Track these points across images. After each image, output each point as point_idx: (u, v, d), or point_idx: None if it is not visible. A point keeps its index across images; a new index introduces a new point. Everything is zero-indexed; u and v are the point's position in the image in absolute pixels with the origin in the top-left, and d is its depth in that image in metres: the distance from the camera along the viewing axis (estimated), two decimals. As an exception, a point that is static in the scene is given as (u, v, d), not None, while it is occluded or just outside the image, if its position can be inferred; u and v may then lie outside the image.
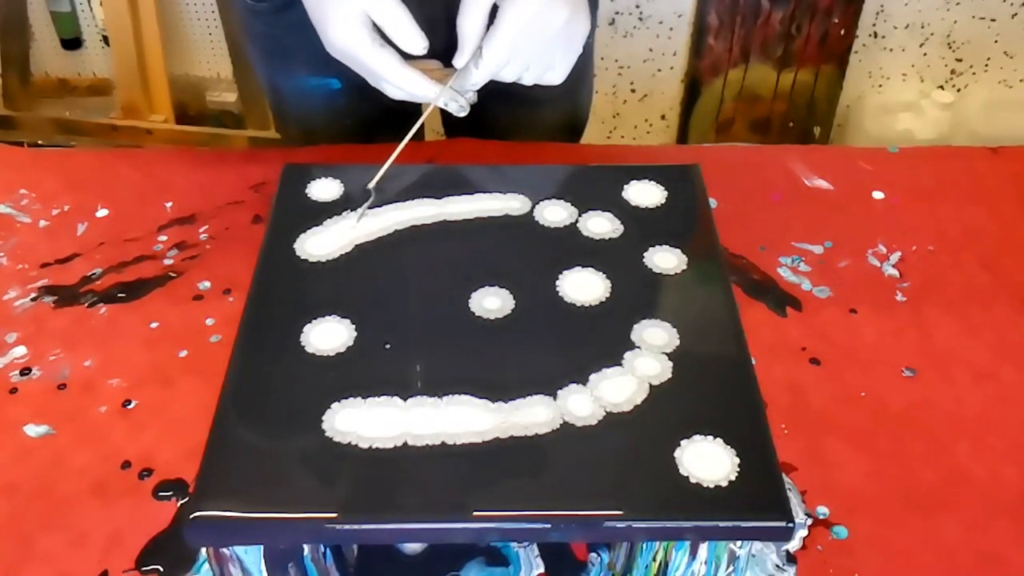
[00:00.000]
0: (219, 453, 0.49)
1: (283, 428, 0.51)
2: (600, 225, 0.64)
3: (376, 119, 0.91)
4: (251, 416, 0.52)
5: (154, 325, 0.71)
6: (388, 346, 0.55)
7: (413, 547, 0.57)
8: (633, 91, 1.99)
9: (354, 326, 0.56)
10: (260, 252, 0.62)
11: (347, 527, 0.47)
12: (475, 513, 0.47)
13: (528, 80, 0.70)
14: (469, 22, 0.66)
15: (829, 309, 0.73)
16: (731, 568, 0.52)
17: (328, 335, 0.56)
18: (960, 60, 1.97)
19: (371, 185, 0.65)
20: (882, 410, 0.66)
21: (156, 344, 0.70)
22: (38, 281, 0.75)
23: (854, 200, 0.84)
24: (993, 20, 1.91)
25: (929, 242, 0.80)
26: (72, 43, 2.00)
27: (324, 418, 0.51)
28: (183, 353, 0.69)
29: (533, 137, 0.92)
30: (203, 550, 0.56)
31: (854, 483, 0.61)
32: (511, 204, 0.66)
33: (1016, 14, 1.91)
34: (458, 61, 0.68)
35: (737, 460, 0.49)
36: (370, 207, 0.65)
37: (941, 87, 1.99)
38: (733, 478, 0.48)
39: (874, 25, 1.92)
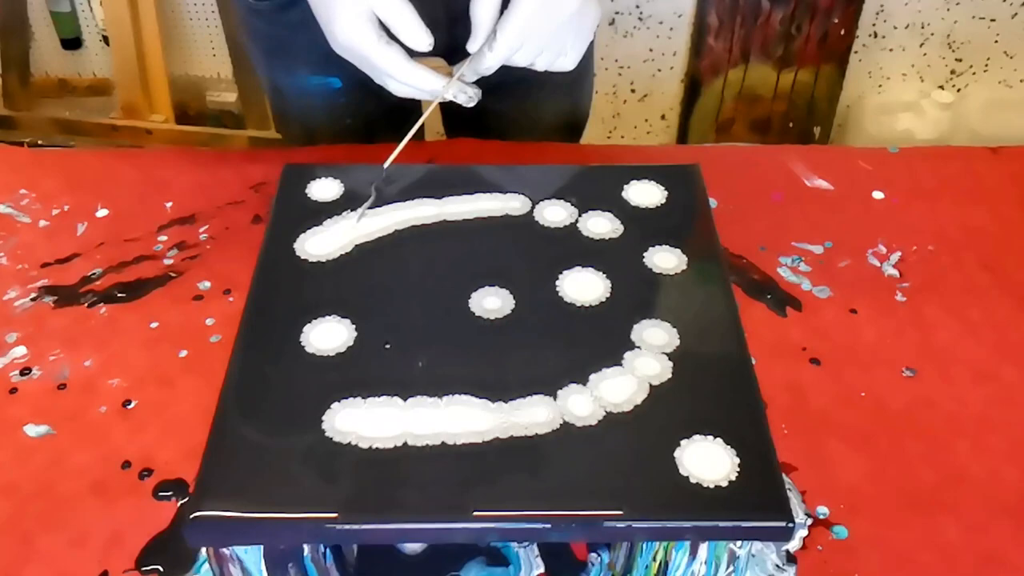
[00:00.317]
0: (219, 453, 0.49)
1: (283, 428, 0.51)
2: (600, 225, 0.64)
3: (377, 118, 0.92)
4: (251, 416, 0.52)
5: (154, 325, 0.71)
6: (388, 346, 0.55)
7: (413, 547, 0.57)
8: (633, 91, 1.99)
9: (354, 326, 0.56)
10: (260, 252, 0.62)
11: (347, 527, 0.47)
12: (475, 513, 0.47)
13: (541, 65, 0.70)
14: (483, 7, 0.66)
15: (829, 309, 0.73)
16: (731, 568, 0.52)
17: (328, 335, 0.56)
18: (960, 60, 1.97)
19: (385, 164, 0.66)
20: (882, 410, 0.66)
21: (156, 344, 0.70)
22: (38, 281, 0.75)
23: (854, 200, 0.84)
24: (993, 20, 1.91)
25: (929, 242, 0.80)
26: (72, 43, 2.00)
27: (324, 418, 0.51)
28: (183, 353, 0.69)
29: (533, 137, 0.92)
30: (203, 550, 0.56)
31: (854, 483, 0.61)
32: (511, 204, 0.66)
33: (1016, 14, 1.91)
34: (472, 45, 0.68)
35: (737, 460, 0.49)
36: (370, 207, 0.65)
37: (941, 87, 1.99)
38: (733, 478, 0.48)
39: (874, 25, 1.92)
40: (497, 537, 0.54)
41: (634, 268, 0.61)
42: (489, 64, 0.68)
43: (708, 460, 0.49)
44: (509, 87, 0.92)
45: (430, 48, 0.67)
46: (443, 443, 0.50)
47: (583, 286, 0.59)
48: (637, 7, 1.87)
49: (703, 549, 0.51)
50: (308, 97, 0.94)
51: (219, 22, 1.87)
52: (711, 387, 0.54)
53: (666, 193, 0.67)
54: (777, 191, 0.84)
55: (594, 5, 0.71)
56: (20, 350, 0.69)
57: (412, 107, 1.00)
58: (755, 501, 0.48)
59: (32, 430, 0.64)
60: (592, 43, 0.96)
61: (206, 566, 0.56)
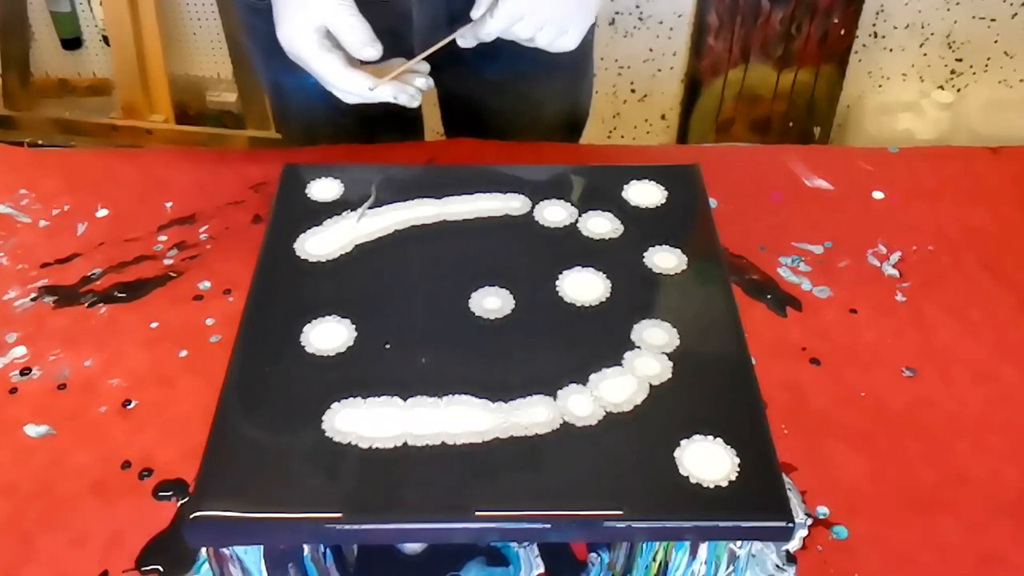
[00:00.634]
0: (219, 453, 0.49)
1: (283, 428, 0.51)
2: (600, 225, 0.64)
3: (377, 118, 0.92)
4: (251, 416, 0.52)
5: (154, 325, 0.71)
6: (388, 346, 0.55)
7: (413, 547, 0.57)
8: (633, 91, 1.99)
9: (354, 326, 0.56)
10: (260, 252, 0.62)
11: (347, 527, 0.47)
12: (475, 513, 0.47)
13: (542, 41, 0.70)
14: None
15: (829, 309, 0.73)
16: (731, 568, 0.52)
17: (328, 335, 0.56)
18: (960, 60, 1.97)
19: (372, 86, 0.66)
20: (882, 410, 0.66)
21: (156, 344, 0.70)
22: (38, 281, 0.75)
23: (854, 200, 0.84)
24: (993, 20, 1.91)
25: (929, 242, 0.80)
26: (72, 43, 2.00)
27: (324, 418, 0.51)
28: (183, 353, 0.69)
29: (533, 136, 0.92)
30: (203, 550, 0.56)
31: (854, 483, 0.61)
32: (511, 204, 0.66)
33: (1016, 14, 1.91)
34: (476, 11, 0.68)
35: (737, 460, 0.49)
36: (370, 207, 0.65)
37: (941, 87, 1.99)
38: (733, 478, 0.48)
39: (874, 25, 1.92)
40: (497, 537, 0.54)
41: (634, 268, 0.61)
42: (489, 30, 0.68)
43: (708, 460, 0.49)
44: (509, 85, 0.92)
45: (376, 57, 0.67)
46: (443, 443, 0.50)
47: (583, 286, 0.59)
48: (637, 7, 1.87)
49: (703, 549, 0.51)
50: (308, 97, 0.93)
51: (219, 22, 1.87)
52: (711, 387, 0.54)
53: (666, 193, 0.67)
54: (777, 191, 0.84)
55: None
56: (20, 350, 0.69)
57: (412, 110, 1.00)
58: (755, 501, 0.48)
59: (32, 430, 0.64)
60: (592, 42, 0.96)
61: (206, 566, 0.56)
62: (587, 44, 0.95)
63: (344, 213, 0.64)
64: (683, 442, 0.50)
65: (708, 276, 0.61)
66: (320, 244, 0.62)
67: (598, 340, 0.56)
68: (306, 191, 0.67)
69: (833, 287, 0.75)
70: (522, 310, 0.58)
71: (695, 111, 2.00)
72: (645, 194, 0.67)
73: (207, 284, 0.74)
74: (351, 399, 0.52)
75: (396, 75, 0.68)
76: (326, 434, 0.50)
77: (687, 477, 0.48)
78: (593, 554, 0.57)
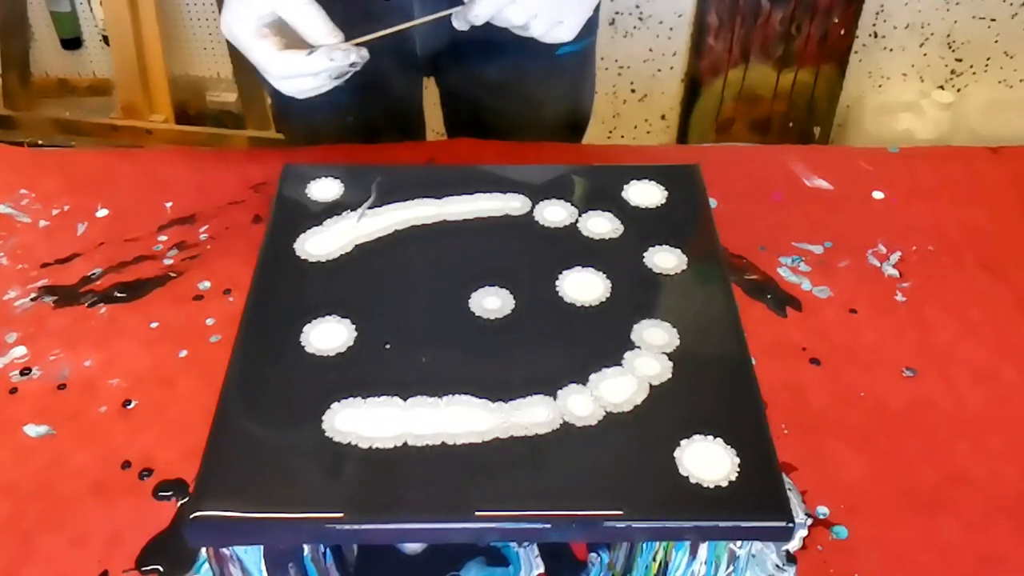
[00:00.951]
0: (219, 453, 0.49)
1: (283, 428, 0.51)
2: (600, 225, 0.64)
3: (378, 117, 0.92)
4: (251, 416, 0.52)
5: (154, 325, 0.71)
6: (388, 346, 0.55)
7: (413, 547, 0.57)
8: (633, 91, 1.99)
9: (354, 326, 0.56)
10: (260, 252, 0.62)
11: (347, 527, 0.47)
12: (475, 513, 0.47)
13: (537, 30, 0.69)
14: None
15: (829, 309, 0.73)
16: (731, 568, 0.52)
17: (328, 335, 0.56)
18: (960, 60, 1.97)
19: (307, 53, 0.64)
20: (882, 410, 0.66)
21: (156, 344, 0.70)
22: (38, 281, 0.75)
23: (854, 200, 0.84)
24: (993, 20, 1.91)
25: (929, 242, 0.80)
26: (72, 43, 2.00)
27: (324, 418, 0.51)
28: (183, 353, 0.69)
29: (535, 136, 0.92)
30: (203, 550, 0.56)
31: (854, 483, 0.61)
32: (511, 204, 0.66)
33: (1016, 14, 1.91)
34: None
35: (737, 460, 0.49)
36: (370, 207, 0.65)
37: (941, 87, 1.99)
38: (733, 478, 0.48)
39: (874, 25, 1.92)
40: (497, 537, 0.54)
41: (634, 268, 0.61)
42: (478, 11, 0.67)
43: (708, 460, 0.49)
44: (512, 86, 0.92)
45: (339, 41, 0.65)
46: (443, 443, 0.50)
47: (583, 286, 0.59)
48: (637, 7, 1.87)
49: (703, 549, 0.51)
50: (310, 96, 0.93)
51: (219, 22, 1.87)
52: (711, 387, 0.54)
53: (666, 193, 0.67)
54: (777, 191, 0.84)
55: None
56: (20, 350, 0.69)
57: (415, 107, 1.00)
58: (755, 501, 0.48)
59: (32, 430, 0.64)
60: (594, 43, 0.96)
61: (206, 566, 0.56)
62: (589, 45, 0.95)
63: (344, 213, 0.64)
64: (683, 442, 0.50)
65: (708, 276, 0.61)
66: (320, 244, 0.62)
67: (598, 340, 0.56)
68: (306, 191, 0.67)
69: (833, 287, 0.75)
70: (522, 310, 0.58)
71: (695, 111, 2.00)
72: (645, 194, 0.67)
73: (207, 284, 0.74)
74: (351, 399, 0.52)
75: (458, 10, 0.67)
76: (326, 434, 0.50)
77: (687, 477, 0.48)
78: (593, 554, 0.57)
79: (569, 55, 0.90)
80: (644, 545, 0.53)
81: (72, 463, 0.62)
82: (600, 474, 0.49)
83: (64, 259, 0.77)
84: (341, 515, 0.47)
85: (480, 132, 0.93)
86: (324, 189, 0.67)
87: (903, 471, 0.62)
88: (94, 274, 0.75)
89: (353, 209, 0.65)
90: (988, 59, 1.97)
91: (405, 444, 0.50)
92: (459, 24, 0.69)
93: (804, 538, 0.58)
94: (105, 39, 1.95)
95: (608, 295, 0.59)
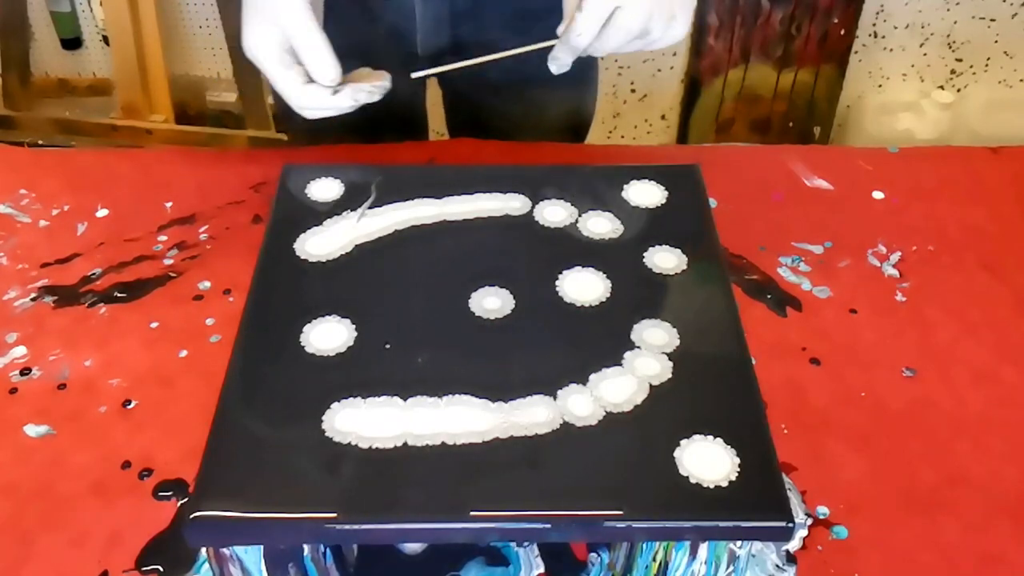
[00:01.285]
0: (219, 453, 0.49)
1: (283, 428, 0.51)
2: (600, 225, 0.64)
3: (381, 117, 0.91)
4: (251, 416, 0.52)
5: (154, 325, 0.71)
6: (388, 346, 0.55)
7: (413, 547, 0.57)
8: (633, 91, 1.99)
9: (354, 326, 0.56)
10: (260, 252, 0.62)
11: (347, 527, 0.47)
12: (475, 513, 0.47)
13: (656, 32, 0.63)
14: None
15: (829, 309, 0.73)
16: (731, 568, 0.52)
17: (328, 335, 0.56)
18: (960, 60, 1.97)
19: (333, 88, 0.64)
20: (882, 410, 0.66)
21: (156, 344, 0.70)
22: (38, 281, 0.75)
23: (854, 200, 0.84)
24: (993, 20, 1.91)
25: (929, 242, 0.80)
26: (72, 43, 2.00)
27: (324, 418, 0.51)
28: (183, 353, 0.69)
29: (537, 137, 0.92)
30: (203, 550, 0.56)
31: (854, 483, 0.61)
32: (511, 204, 0.66)
33: (1016, 14, 1.91)
34: (561, 27, 0.64)
35: (737, 460, 0.49)
36: (370, 207, 0.65)
37: (941, 87, 1.99)
38: (733, 478, 0.48)
39: (874, 25, 1.92)
40: (497, 537, 0.54)
41: (634, 268, 0.61)
42: (581, 29, 0.61)
43: (708, 460, 0.49)
44: (514, 88, 0.92)
45: (335, 82, 0.65)
46: (443, 443, 0.50)
47: (583, 286, 0.59)
48: None
49: (703, 549, 0.51)
50: None
51: (219, 22, 1.87)
52: (711, 387, 0.54)
53: (666, 193, 0.67)
54: (777, 191, 0.84)
55: None
56: (20, 350, 0.69)
57: (418, 107, 1.00)
58: (755, 501, 0.48)
59: (32, 430, 0.64)
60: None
61: (206, 566, 0.56)
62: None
63: (344, 213, 0.65)
64: (683, 442, 0.50)
65: (708, 276, 0.61)
66: (320, 244, 0.62)
67: (598, 340, 0.56)
68: (306, 191, 0.67)
69: (833, 287, 0.75)
70: (522, 310, 0.58)
71: (695, 111, 2.00)
72: (645, 194, 0.67)
73: (207, 284, 0.74)
74: (351, 399, 0.52)
75: (562, 38, 0.63)
76: (326, 434, 0.50)
77: (687, 477, 0.48)
78: (593, 554, 0.57)
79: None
80: (644, 545, 0.53)
81: (72, 463, 0.62)
82: (600, 474, 0.49)
83: (64, 259, 0.77)
84: (341, 515, 0.47)
85: (482, 133, 0.93)
86: (324, 189, 0.67)
87: (903, 471, 0.62)
88: (94, 274, 0.75)
89: (353, 209, 0.65)
90: (988, 59, 1.97)
91: (405, 444, 0.50)
92: (563, 57, 0.64)
93: (804, 538, 0.58)
94: (105, 39, 1.95)
95: (608, 295, 0.59)
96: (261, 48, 0.65)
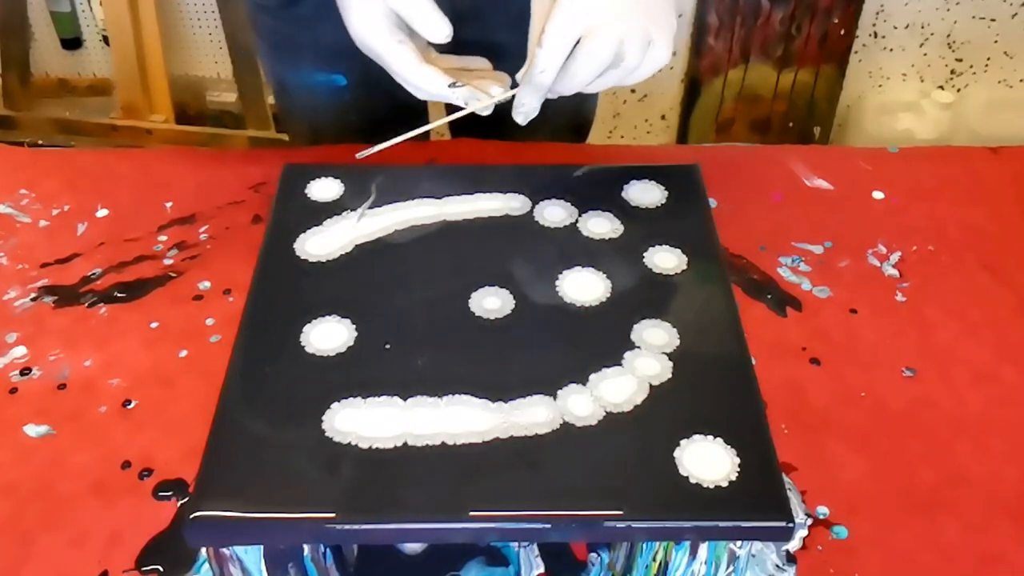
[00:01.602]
0: (219, 453, 0.49)
1: (283, 428, 0.51)
2: (600, 225, 0.64)
3: (382, 116, 0.91)
4: (251, 416, 0.52)
5: (154, 325, 0.71)
6: (388, 346, 0.55)
7: (413, 547, 0.57)
8: (633, 91, 1.99)
9: (354, 326, 0.56)
10: (260, 252, 0.62)
11: (347, 527, 0.47)
12: (475, 513, 0.47)
13: (632, 59, 0.59)
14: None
15: (829, 309, 0.73)
16: (731, 568, 0.52)
17: (328, 335, 0.56)
18: (960, 60, 1.97)
19: (451, 83, 0.62)
20: (882, 410, 0.66)
21: (156, 344, 0.70)
22: (38, 281, 0.75)
23: (854, 200, 0.84)
24: (993, 20, 1.91)
25: (929, 242, 0.80)
26: (72, 43, 2.00)
27: (324, 418, 0.51)
28: (183, 353, 0.69)
29: (538, 138, 0.92)
30: (203, 550, 0.56)
31: (854, 483, 0.61)
32: (511, 204, 0.66)
33: (1016, 14, 1.91)
34: (521, 72, 0.62)
35: (737, 460, 0.49)
36: (370, 207, 0.65)
37: (941, 87, 2.00)
38: (733, 478, 0.48)
39: (874, 25, 1.92)
40: (497, 537, 0.54)
41: (634, 268, 0.61)
42: (543, 64, 0.57)
43: (708, 460, 0.49)
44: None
45: (448, 38, 0.62)
46: (443, 443, 0.50)
47: (583, 286, 0.59)
48: None
49: (703, 549, 0.51)
50: (313, 94, 0.94)
51: (219, 22, 1.87)
52: (711, 387, 0.54)
53: (666, 193, 0.67)
54: (777, 191, 0.84)
55: None
56: (20, 350, 0.69)
57: (418, 106, 1.00)
58: (755, 501, 0.48)
59: (32, 430, 0.64)
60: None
61: (206, 566, 0.56)
62: None
63: (344, 213, 0.64)
64: (683, 442, 0.50)
65: (708, 276, 0.61)
66: (320, 244, 0.62)
67: (598, 340, 0.56)
68: (306, 191, 0.67)
69: (833, 287, 0.75)
70: (522, 310, 0.58)
71: (695, 111, 2.00)
72: (645, 194, 0.67)
73: (207, 284, 0.74)
74: (351, 399, 0.52)
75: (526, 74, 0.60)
76: (326, 434, 0.50)
77: (687, 477, 0.48)
78: (593, 554, 0.57)
79: None
80: (644, 545, 0.53)
81: (72, 463, 0.62)
82: (600, 474, 0.49)
83: (64, 259, 0.77)
84: (340, 515, 0.47)
85: (485, 132, 0.92)
86: (324, 189, 0.67)
87: (903, 471, 0.62)
88: (94, 274, 0.75)
89: (353, 209, 0.65)
90: (988, 59, 1.97)
91: (405, 444, 0.50)
92: (529, 102, 0.61)
93: (804, 538, 0.58)
94: (105, 39, 1.95)
95: (608, 295, 0.59)
96: (369, 27, 0.61)
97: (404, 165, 0.67)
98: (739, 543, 0.51)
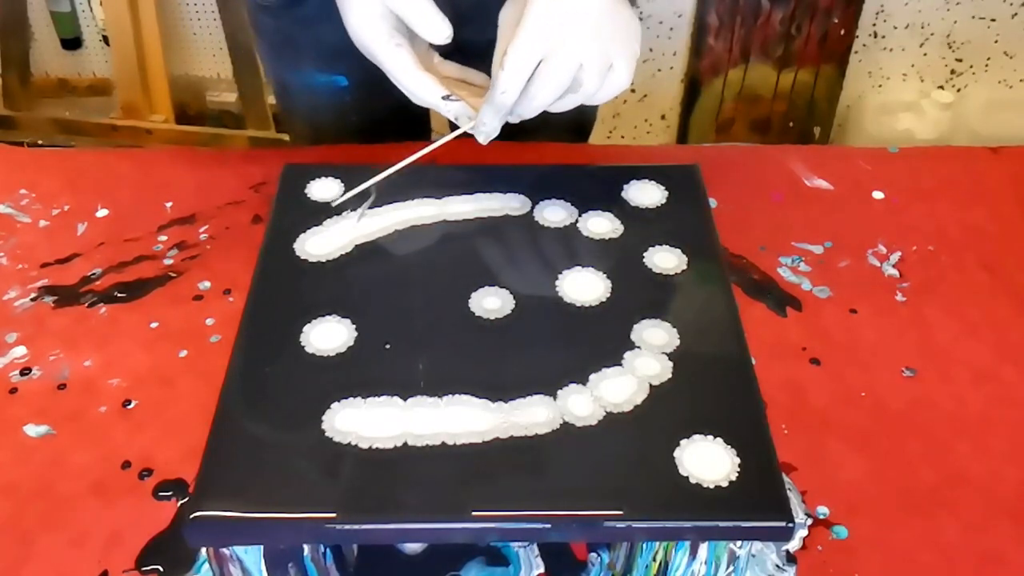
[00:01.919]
0: (219, 453, 0.49)
1: (283, 428, 0.51)
2: (600, 225, 0.64)
3: (383, 117, 0.92)
4: (251, 416, 0.52)
5: (154, 325, 0.71)
6: (388, 346, 0.55)
7: (413, 547, 0.57)
8: (633, 91, 1.99)
9: (354, 326, 0.56)
10: (260, 252, 0.62)
11: (347, 527, 0.47)
12: (475, 513, 0.47)
13: (591, 84, 0.60)
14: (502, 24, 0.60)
15: (829, 309, 0.73)
16: (731, 568, 0.52)
17: (328, 335, 0.56)
18: (960, 60, 1.97)
19: (445, 96, 0.61)
20: (882, 410, 0.66)
21: (156, 344, 0.70)
22: (38, 281, 0.75)
23: (854, 200, 0.84)
24: (993, 20, 1.91)
25: (929, 242, 0.80)
26: (72, 43, 2.00)
27: (324, 418, 0.51)
28: (183, 353, 0.69)
29: (540, 138, 0.92)
30: (203, 550, 0.56)
31: (854, 483, 0.61)
32: (511, 204, 0.66)
33: (1016, 14, 1.91)
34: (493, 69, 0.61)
35: (737, 460, 0.49)
36: (370, 207, 0.65)
37: (941, 87, 2.00)
38: (733, 478, 0.48)
39: (874, 25, 1.92)
40: (497, 537, 0.54)
41: (634, 268, 0.61)
42: (505, 86, 0.58)
43: (708, 460, 0.49)
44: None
45: (448, 39, 0.62)
46: (443, 443, 0.50)
47: (583, 286, 0.59)
48: (637, 7, 1.87)
49: (703, 549, 0.51)
50: (314, 94, 0.94)
51: (219, 22, 1.87)
52: (711, 387, 0.54)
53: (666, 193, 0.67)
54: (777, 191, 0.84)
55: (627, 9, 0.62)
56: (20, 350, 0.69)
57: (419, 108, 1.00)
58: (755, 501, 0.48)
59: (32, 430, 0.64)
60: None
61: (206, 566, 0.56)
62: None
63: (344, 213, 0.64)
64: (683, 442, 0.50)
65: (708, 276, 0.61)
66: (320, 244, 0.62)
67: (598, 340, 0.56)
68: (306, 191, 0.67)
69: (833, 287, 0.75)
70: (522, 310, 0.58)
71: (695, 111, 2.00)
72: (645, 194, 0.67)
73: (207, 284, 0.74)
74: (351, 399, 0.52)
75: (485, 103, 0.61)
76: (326, 434, 0.50)
77: (687, 477, 0.48)
78: (593, 554, 0.57)
79: None
80: (644, 545, 0.53)
81: (72, 463, 0.62)
82: (600, 474, 0.49)
83: (64, 259, 0.77)
84: (340, 515, 0.47)
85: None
86: (324, 189, 0.67)
87: (903, 471, 0.62)
88: (94, 274, 0.75)
89: (353, 209, 0.65)
90: (988, 59, 1.97)
91: (405, 444, 0.50)
92: (489, 122, 0.62)
93: (804, 538, 0.58)
94: (105, 39, 1.95)
95: (608, 295, 0.59)
96: (368, 29, 0.61)
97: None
98: (739, 543, 0.51)
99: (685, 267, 0.61)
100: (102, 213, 0.81)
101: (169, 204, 0.82)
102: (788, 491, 0.50)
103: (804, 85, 1.96)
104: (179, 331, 0.70)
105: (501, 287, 0.59)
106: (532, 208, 0.66)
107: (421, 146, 0.65)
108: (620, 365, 0.54)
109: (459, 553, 0.57)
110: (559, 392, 0.52)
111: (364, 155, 0.86)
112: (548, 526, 0.47)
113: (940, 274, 0.77)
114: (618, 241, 0.63)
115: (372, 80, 0.70)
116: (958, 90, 2.00)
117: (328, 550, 0.54)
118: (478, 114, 0.62)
